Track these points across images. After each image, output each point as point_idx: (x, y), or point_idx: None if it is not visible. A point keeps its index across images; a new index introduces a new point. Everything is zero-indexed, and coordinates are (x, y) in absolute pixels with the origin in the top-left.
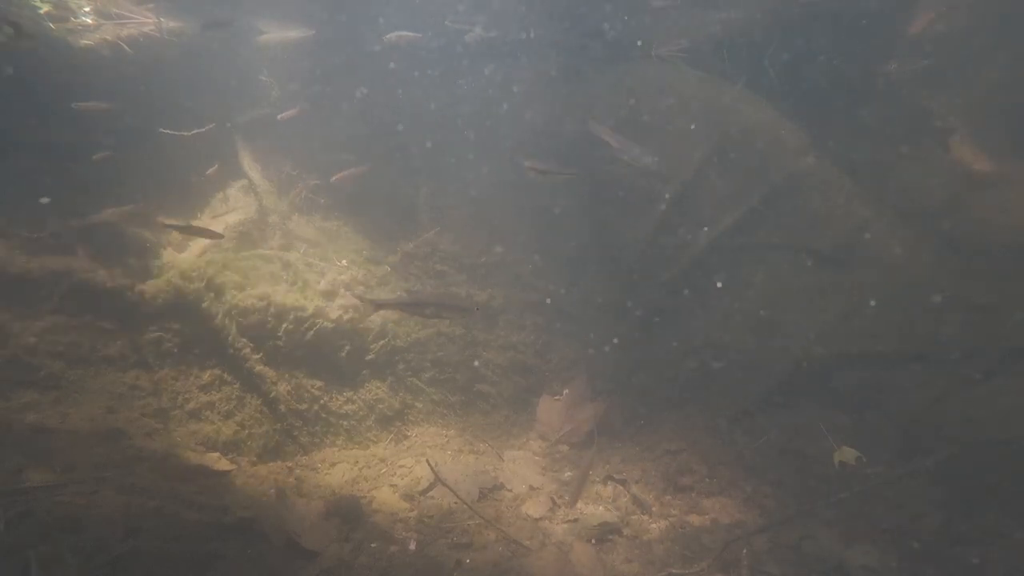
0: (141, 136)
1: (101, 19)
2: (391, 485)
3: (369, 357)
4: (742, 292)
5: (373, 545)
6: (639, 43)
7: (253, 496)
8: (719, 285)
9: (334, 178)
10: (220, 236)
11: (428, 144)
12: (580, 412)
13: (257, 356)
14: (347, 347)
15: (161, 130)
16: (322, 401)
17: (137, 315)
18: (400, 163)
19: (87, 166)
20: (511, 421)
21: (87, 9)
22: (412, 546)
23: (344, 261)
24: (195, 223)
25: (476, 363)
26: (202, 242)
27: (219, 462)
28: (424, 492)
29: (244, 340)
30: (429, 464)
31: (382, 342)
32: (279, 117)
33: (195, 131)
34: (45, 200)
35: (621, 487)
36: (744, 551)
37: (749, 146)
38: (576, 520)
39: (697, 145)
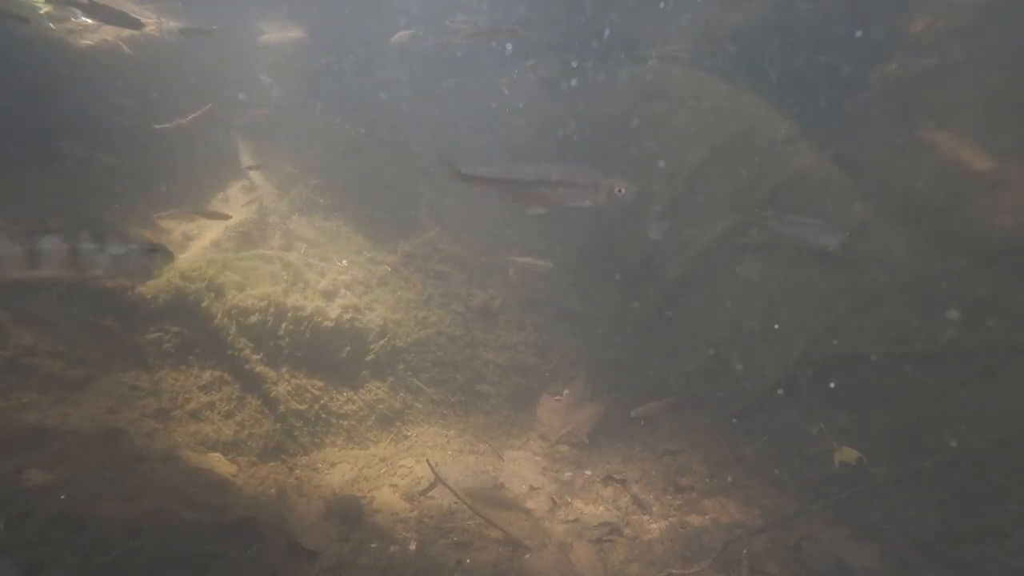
0: (141, 136)
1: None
2: (391, 485)
3: (369, 357)
4: (742, 292)
5: (373, 545)
6: (639, 44)
7: (253, 496)
8: (719, 285)
9: None
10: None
11: (429, 144)
12: (580, 412)
13: (257, 356)
14: (347, 347)
15: (156, 126)
16: (322, 401)
17: (137, 315)
18: (400, 163)
19: (87, 166)
20: (511, 421)
21: None
22: (412, 546)
23: (344, 261)
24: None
25: (476, 363)
26: (202, 242)
27: (219, 462)
28: (424, 492)
29: (244, 340)
30: (429, 464)
31: (382, 342)
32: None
33: (191, 117)
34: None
35: (621, 487)
36: (744, 551)
37: (749, 146)
38: (576, 520)
39: (697, 145)
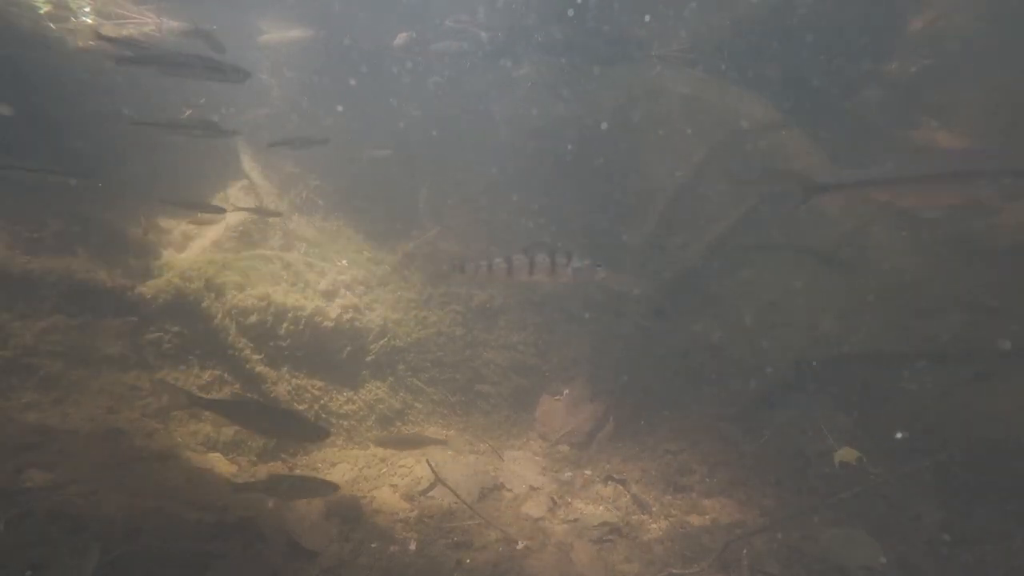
0: (142, 135)
1: (101, 19)
2: (391, 485)
3: (369, 358)
4: (742, 292)
5: (373, 545)
6: (640, 44)
7: (253, 496)
8: (719, 285)
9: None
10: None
11: (429, 144)
12: (580, 412)
13: (257, 356)
14: (347, 347)
15: (154, 124)
16: (322, 401)
17: (137, 315)
18: (401, 163)
19: (87, 167)
20: (511, 421)
21: (87, 9)
22: (412, 546)
23: (344, 261)
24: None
25: (476, 363)
26: (203, 242)
27: (219, 462)
28: (424, 492)
29: (244, 340)
30: (429, 464)
31: (382, 342)
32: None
33: (187, 114)
34: None
35: (621, 487)
36: (744, 551)
37: (749, 146)
38: (576, 520)
39: (697, 145)
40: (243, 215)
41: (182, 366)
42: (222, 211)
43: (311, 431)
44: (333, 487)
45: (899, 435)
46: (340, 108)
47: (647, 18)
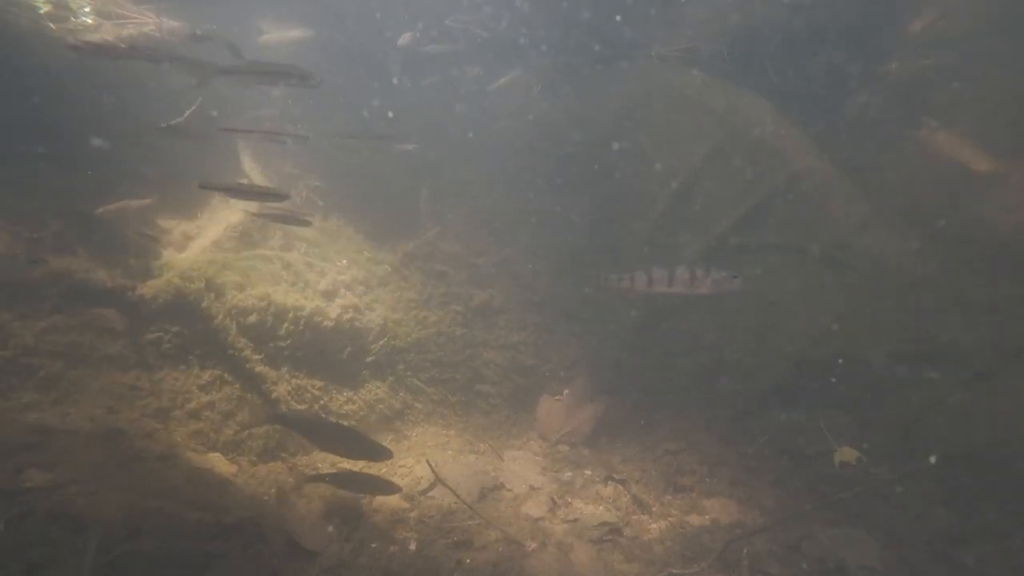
0: (142, 135)
1: (101, 19)
2: None
3: (369, 358)
4: (742, 292)
5: (373, 545)
6: (639, 43)
7: (253, 496)
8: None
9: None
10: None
11: (429, 144)
12: (580, 412)
13: (257, 356)
14: (347, 347)
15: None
16: (322, 401)
17: (137, 315)
18: (400, 163)
19: (88, 166)
20: (511, 421)
21: (87, 9)
22: (412, 546)
23: (344, 261)
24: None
25: (476, 363)
26: (203, 241)
27: (219, 462)
28: (424, 492)
29: (244, 340)
30: (429, 464)
31: (382, 342)
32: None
33: (187, 114)
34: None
35: (621, 487)
36: (744, 551)
37: (749, 146)
38: (576, 520)
39: (697, 145)
40: (240, 215)
41: (182, 366)
42: (309, 223)
43: (377, 451)
44: (396, 488)
45: (900, 435)
46: (340, 108)
47: (647, 18)
